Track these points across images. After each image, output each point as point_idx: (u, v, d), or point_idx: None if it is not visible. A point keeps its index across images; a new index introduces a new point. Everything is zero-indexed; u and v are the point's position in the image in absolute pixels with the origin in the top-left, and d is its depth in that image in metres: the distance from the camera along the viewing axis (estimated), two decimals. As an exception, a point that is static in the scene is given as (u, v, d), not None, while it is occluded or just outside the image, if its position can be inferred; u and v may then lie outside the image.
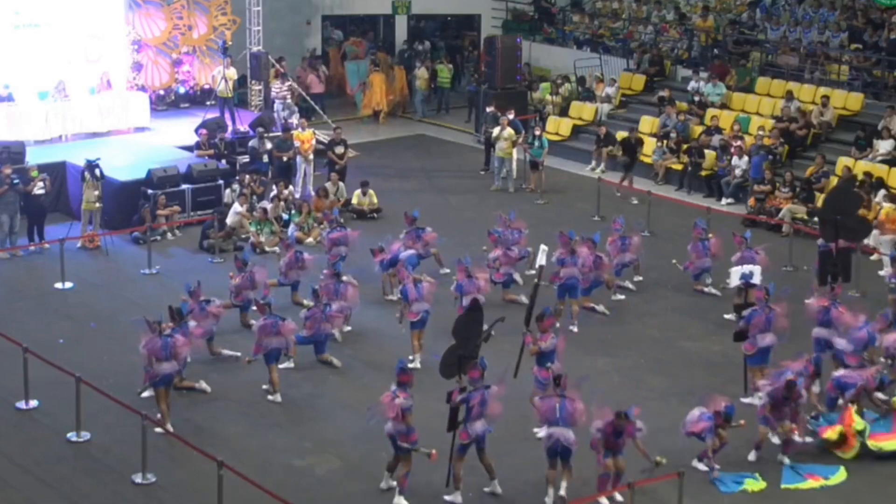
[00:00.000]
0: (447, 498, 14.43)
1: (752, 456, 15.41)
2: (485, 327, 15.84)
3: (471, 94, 32.42)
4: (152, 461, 14.80)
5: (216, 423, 16.20)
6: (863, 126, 26.50)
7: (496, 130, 26.90)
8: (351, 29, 35.94)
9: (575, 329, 18.99)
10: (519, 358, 16.55)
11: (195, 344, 16.60)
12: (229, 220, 23.07)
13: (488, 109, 28.02)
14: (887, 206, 23.03)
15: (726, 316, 19.52)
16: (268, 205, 23.76)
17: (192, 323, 16.60)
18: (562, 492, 14.22)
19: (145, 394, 16.35)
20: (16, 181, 22.21)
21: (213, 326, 17.70)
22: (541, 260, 18.19)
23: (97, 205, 22.94)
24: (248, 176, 24.69)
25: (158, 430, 15.35)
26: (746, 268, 18.58)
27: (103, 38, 28.07)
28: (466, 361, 14.71)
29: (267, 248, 22.47)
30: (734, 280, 18.75)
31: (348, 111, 33.06)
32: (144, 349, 15.73)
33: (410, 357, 17.58)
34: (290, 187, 24.67)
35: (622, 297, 20.52)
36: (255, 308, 18.12)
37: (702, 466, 15.10)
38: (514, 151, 26.96)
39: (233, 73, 28.27)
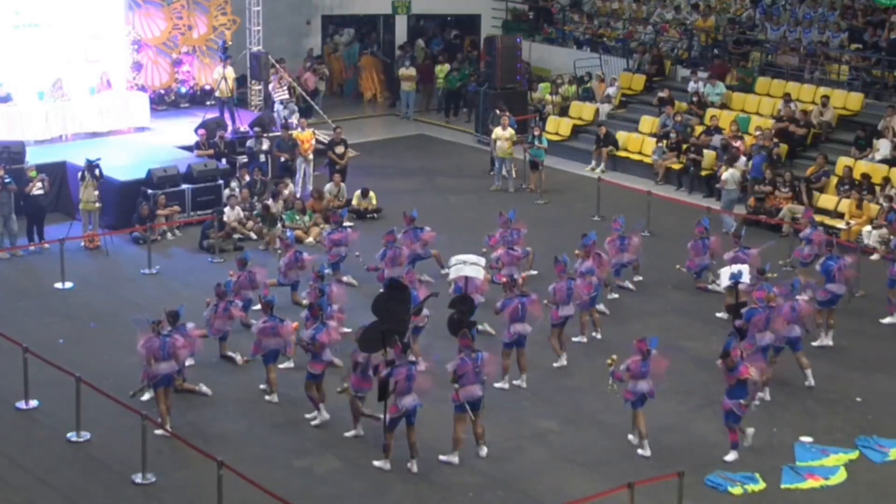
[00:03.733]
0: (376, 463, 14.82)
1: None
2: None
3: (471, 94, 32.43)
4: (152, 461, 14.80)
5: (216, 423, 16.20)
6: (863, 126, 26.50)
7: (497, 130, 26.90)
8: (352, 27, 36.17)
9: (586, 339, 19.01)
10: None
11: (194, 346, 16.53)
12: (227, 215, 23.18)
13: (498, 111, 27.97)
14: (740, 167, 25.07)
15: (718, 314, 19.54)
16: (268, 203, 23.83)
17: (189, 325, 16.57)
18: (522, 383, 17.07)
19: (144, 396, 16.31)
20: (7, 181, 22.20)
21: (229, 327, 17.74)
22: (470, 272, 18.51)
23: (97, 205, 22.94)
24: (254, 170, 24.80)
25: (158, 431, 15.32)
26: (735, 268, 18.60)
27: (103, 38, 28.06)
28: (392, 336, 15.08)
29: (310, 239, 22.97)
30: (724, 280, 18.75)
31: (348, 111, 33.09)
32: (142, 349, 15.71)
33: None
34: (291, 186, 24.70)
35: (616, 295, 20.54)
36: (254, 308, 18.10)
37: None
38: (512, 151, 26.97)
39: (231, 73, 28.28)
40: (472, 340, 15.33)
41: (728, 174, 24.61)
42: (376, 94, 34.65)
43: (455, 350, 15.36)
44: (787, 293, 17.24)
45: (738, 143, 26.23)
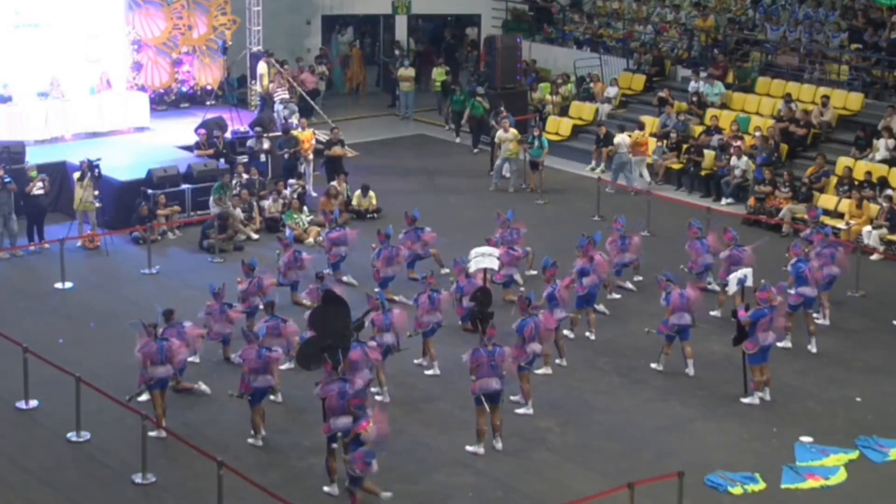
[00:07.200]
0: (325, 489, 14.52)
1: None
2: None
3: (471, 94, 32.39)
4: (152, 461, 14.80)
5: (216, 423, 16.20)
6: (863, 126, 26.50)
7: (499, 133, 26.86)
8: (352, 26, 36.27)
9: (592, 336, 18.99)
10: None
11: (194, 344, 16.51)
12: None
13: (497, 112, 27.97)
14: (636, 133, 26.93)
15: (712, 313, 19.52)
16: (267, 203, 23.82)
17: (187, 323, 16.54)
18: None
19: (142, 397, 16.26)
20: (7, 181, 22.20)
21: (230, 331, 17.70)
22: (488, 264, 19.04)
23: (96, 204, 22.94)
24: (252, 169, 24.83)
25: (153, 433, 15.23)
26: (741, 272, 18.54)
27: (103, 38, 28.08)
28: (333, 352, 14.81)
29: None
30: (732, 287, 18.64)
31: (348, 111, 33.08)
32: (139, 353, 15.70)
33: (424, 363, 17.59)
34: (294, 185, 24.71)
35: (618, 296, 20.53)
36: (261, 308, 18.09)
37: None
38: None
39: (263, 69, 28.58)
40: (493, 332, 15.61)
41: (619, 138, 26.70)
42: (359, 86, 35.23)
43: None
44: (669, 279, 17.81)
45: (737, 143, 26.26)
